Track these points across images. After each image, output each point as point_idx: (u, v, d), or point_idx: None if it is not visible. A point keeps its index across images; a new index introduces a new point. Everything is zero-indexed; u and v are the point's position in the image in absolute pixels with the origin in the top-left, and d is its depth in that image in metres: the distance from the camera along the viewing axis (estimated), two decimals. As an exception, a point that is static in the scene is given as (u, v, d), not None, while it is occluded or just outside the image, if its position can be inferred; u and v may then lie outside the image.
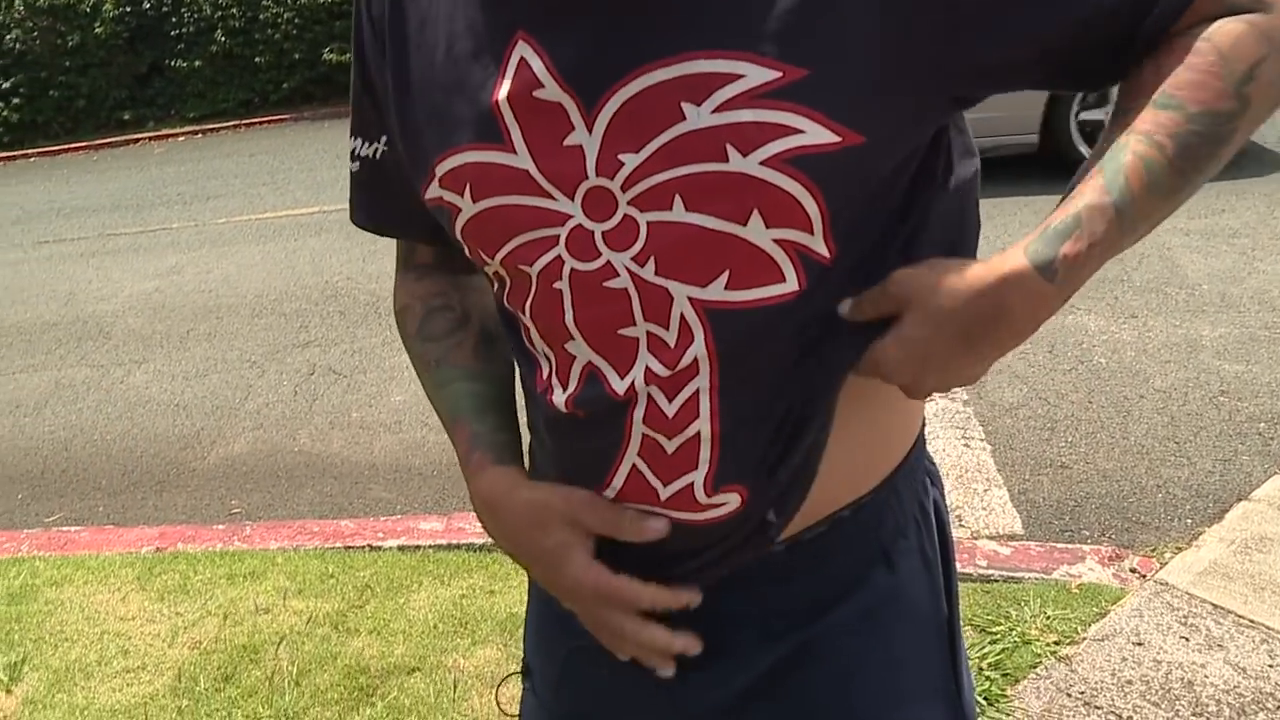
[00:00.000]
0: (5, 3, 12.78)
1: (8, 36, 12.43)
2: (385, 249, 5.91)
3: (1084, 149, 5.51)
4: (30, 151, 12.88)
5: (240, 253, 6.48)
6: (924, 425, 0.90)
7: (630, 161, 0.66)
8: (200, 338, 5.09)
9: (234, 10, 12.63)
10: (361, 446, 3.76)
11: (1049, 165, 5.41)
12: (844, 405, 0.75)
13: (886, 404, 0.80)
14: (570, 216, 0.69)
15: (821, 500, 0.79)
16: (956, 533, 2.56)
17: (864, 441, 0.80)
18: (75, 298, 5.98)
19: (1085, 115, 5.49)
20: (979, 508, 2.84)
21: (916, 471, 0.87)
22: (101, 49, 12.89)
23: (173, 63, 12.75)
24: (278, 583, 2.74)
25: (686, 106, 0.64)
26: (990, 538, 2.69)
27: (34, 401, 4.57)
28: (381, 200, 0.89)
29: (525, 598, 1.00)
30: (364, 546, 2.90)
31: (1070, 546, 2.62)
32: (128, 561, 2.93)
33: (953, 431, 3.23)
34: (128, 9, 12.50)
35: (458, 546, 2.86)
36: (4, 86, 12.99)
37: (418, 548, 2.87)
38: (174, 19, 12.67)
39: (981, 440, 3.19)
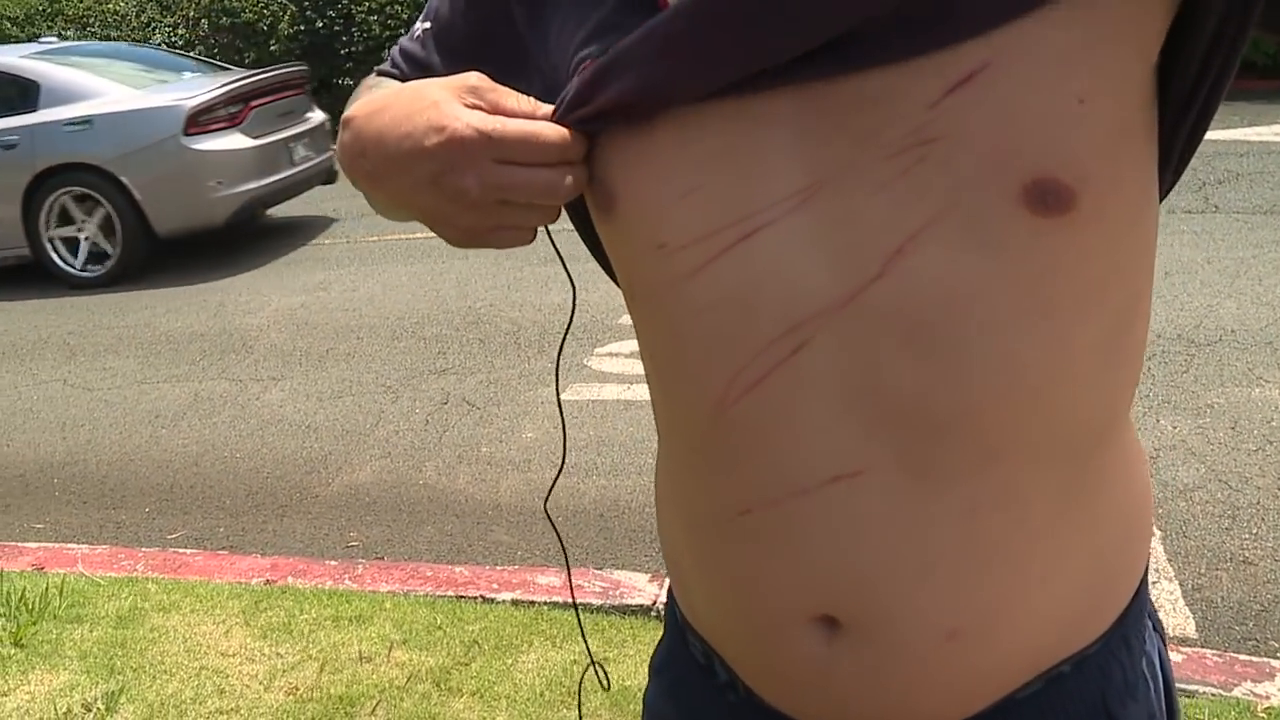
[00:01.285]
0: (190, 21, 13.39)
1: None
2: (532, 278, 5.88)
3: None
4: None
5: (387, 272, 6.52)
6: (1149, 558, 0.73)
7: None
8: (339, 357, 5.10)
9: (403, 31, 12.95)
10: (488, 484, 3.65)
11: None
12: (1064, 528, 0.65)
13: (1116, 525, 0.69)
14: None
15: (1036, 650, 0.67)
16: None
17: (1089, 577, 0.68)
18: (224, 309, 6.09)
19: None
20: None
21: (1143, 616, 0.74)
22: (276, 65, 13.38)
23: (341, 80, 13.14)
24: (383, 630, 2.64)
25: None
26: (1164, 643, 2.40)
27: (173, 413, 4.62)
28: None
29: (643, 670, 0.86)
30: (476, 597, 2.77)
31: (1256, 660, 2.31)
32: (236, 592, 2.87)
33: (1127, 518, 2.93)
34: (302, 27, 12.92)
35: (574, 606, 2.71)
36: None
37: (532, 603, 2.73)
38: (344, 37, 13.05)
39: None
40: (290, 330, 5.60)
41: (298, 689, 2.42)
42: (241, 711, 2.36)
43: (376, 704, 2.34)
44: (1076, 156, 0.56)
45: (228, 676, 2.49)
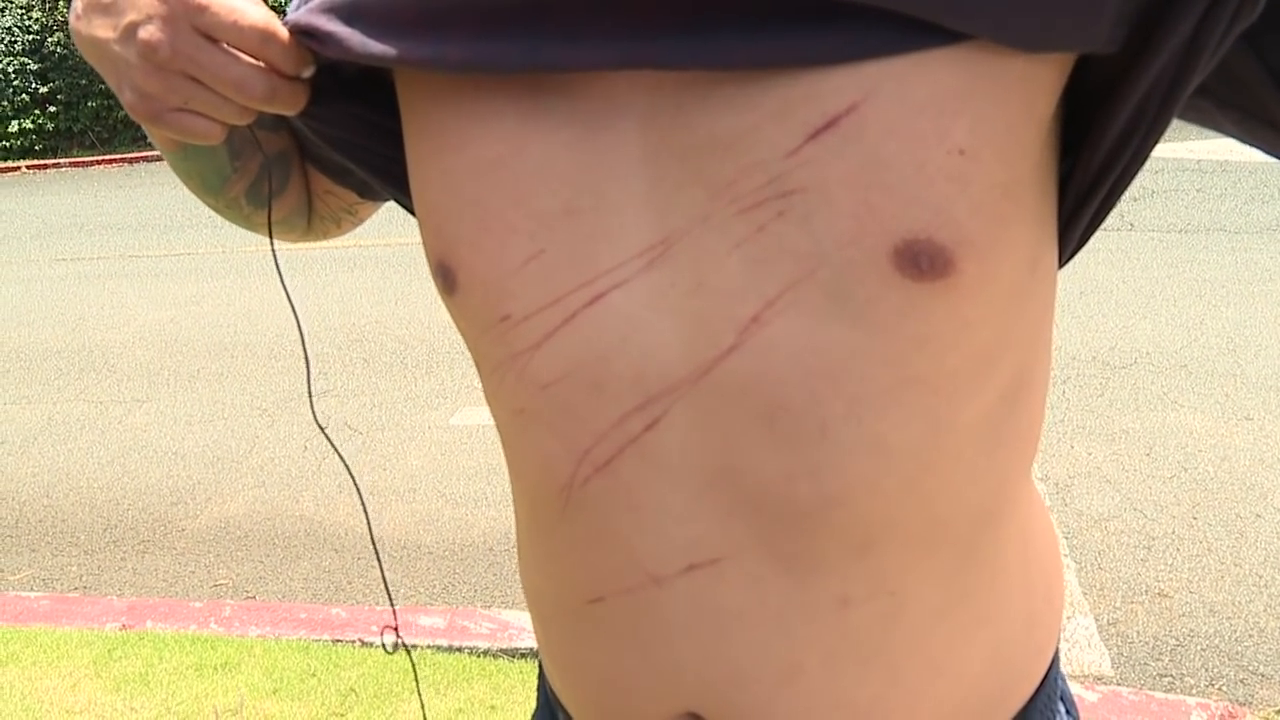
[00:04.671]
0: (50, 5, 12.95)
1: (49, 40, 12.56)
2: (420, 293, 5.76)
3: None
4: (62, 161, 13.02)
5: (266, 285, 6.35)
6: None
7: None
8: (210, 377, 4.93)
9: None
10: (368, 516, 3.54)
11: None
12: (952, 621, 0.61)
13: (1016, 612, 0.65)
14: None
15: None
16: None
17: (985, 671, 0.65)
18: (84, 323, 5.87)
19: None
20: (1060, 639, 2.56)
21: (1054, 700, 0.72)
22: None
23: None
24: (252, 679, 2.53)
25: None
26: (1073, 678, 2.41)
27: (21, 438, 4.42)
28: None
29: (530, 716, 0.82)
30: (354, 641, 2.67)
31: (1172, 698, 2.32)
32: (87, 640, 2.73)
33: (1039, 547, 2.95)
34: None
35: (459, 650, 2.62)
36: (42, 92, 13.12)
37: (414, 646, 2.64)
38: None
39: (1064, 555, 2.90)
40: (158, 347, 5.42)
41: (153, 748, 2.30)
42: (89, 775, 2.23)
43: (241, 763, 2.24)
44: (955, 216, 0.51)
45: (74, 735, 2.36)
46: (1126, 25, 0.49)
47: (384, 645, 0.90)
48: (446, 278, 0.64)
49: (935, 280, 0.52)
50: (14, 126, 13.32)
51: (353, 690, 2.47)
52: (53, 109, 13.18)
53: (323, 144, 0.72)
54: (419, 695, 0.95)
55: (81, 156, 12.91)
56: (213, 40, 0.59)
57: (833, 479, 0.56)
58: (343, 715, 2.39)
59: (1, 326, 5.93)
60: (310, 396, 0.79)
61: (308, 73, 0.63)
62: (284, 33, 0.61)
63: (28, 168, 12.93)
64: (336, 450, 0.83)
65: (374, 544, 0.87)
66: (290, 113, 0.64)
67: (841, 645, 0.59)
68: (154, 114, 0.62)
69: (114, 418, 4.57)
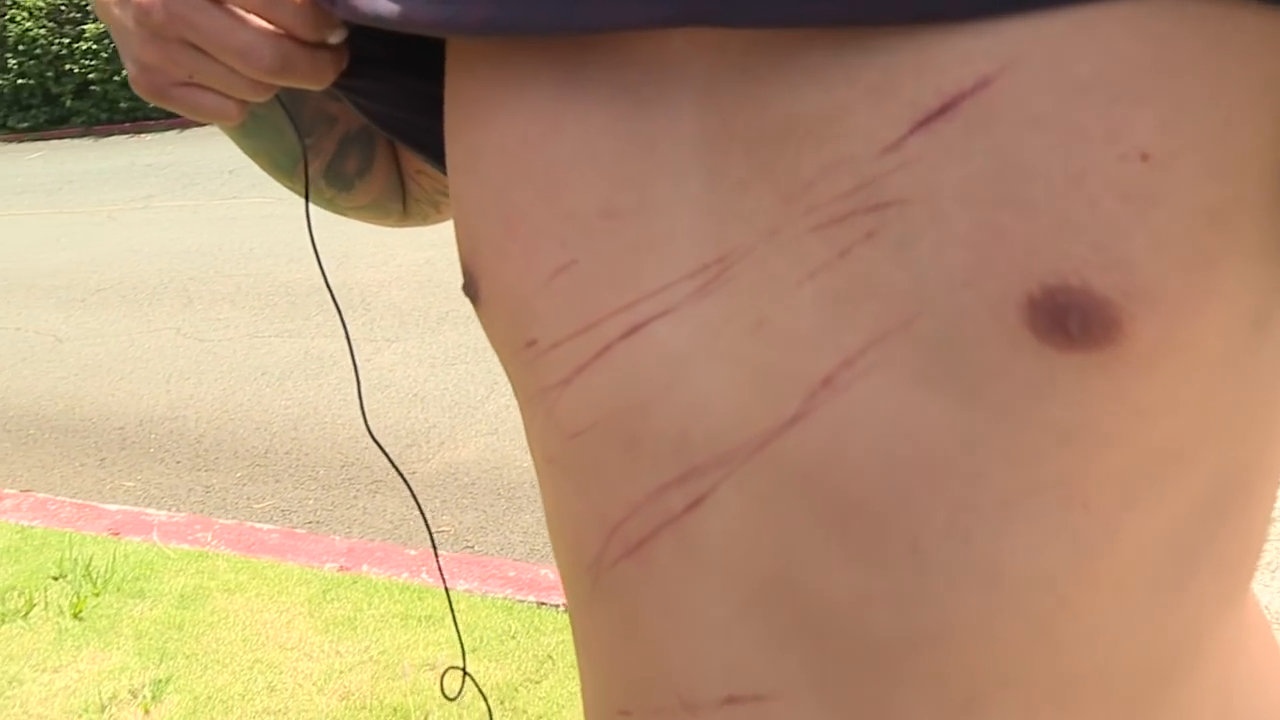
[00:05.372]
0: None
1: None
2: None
3: None
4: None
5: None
6: None
7: None
8: (458, 320, 5.03)
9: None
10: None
11: None
12: None
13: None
14: None
15: None
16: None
17: None
18: (349, 261, 6.11)
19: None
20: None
21: None
22: None
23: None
24: (452, 635, 2.53)
25: None
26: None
27: (279, 370, 4.63)
28: None
29: None
30: (558, 605, 2.63)
31: None
32: (307, 578, 2.81)
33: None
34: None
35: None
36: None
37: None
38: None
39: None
40: (412, 288, 5.57)
41: (350, 694, 2.33)
42: (289, 714, 2.28)
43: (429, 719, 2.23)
44: (1127, 254, 0.35)
45: (281, 673, 2.42)
46: None
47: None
48: (471, 287, 0.52)
49: (1090, 350, 0.36)
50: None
51: (549, 657, 2.43)
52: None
53: (377, 126, 0.61)
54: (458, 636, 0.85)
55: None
56: (215, 1, 0.49)
57: (924, 611, 0.41)
58: (537, 682, 2.35)
59: (275, 262, 6.26)
60: (359, 395, 0.69)
61: (335, 38, 0.52)
62: None
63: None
64: (390, 460, 0.72)
65: None
66: (316, 86, 0.53)
67: None
68: (157, 89, 0.52)
69: (363, 356, 4.72)
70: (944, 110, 0.35)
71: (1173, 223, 0.34)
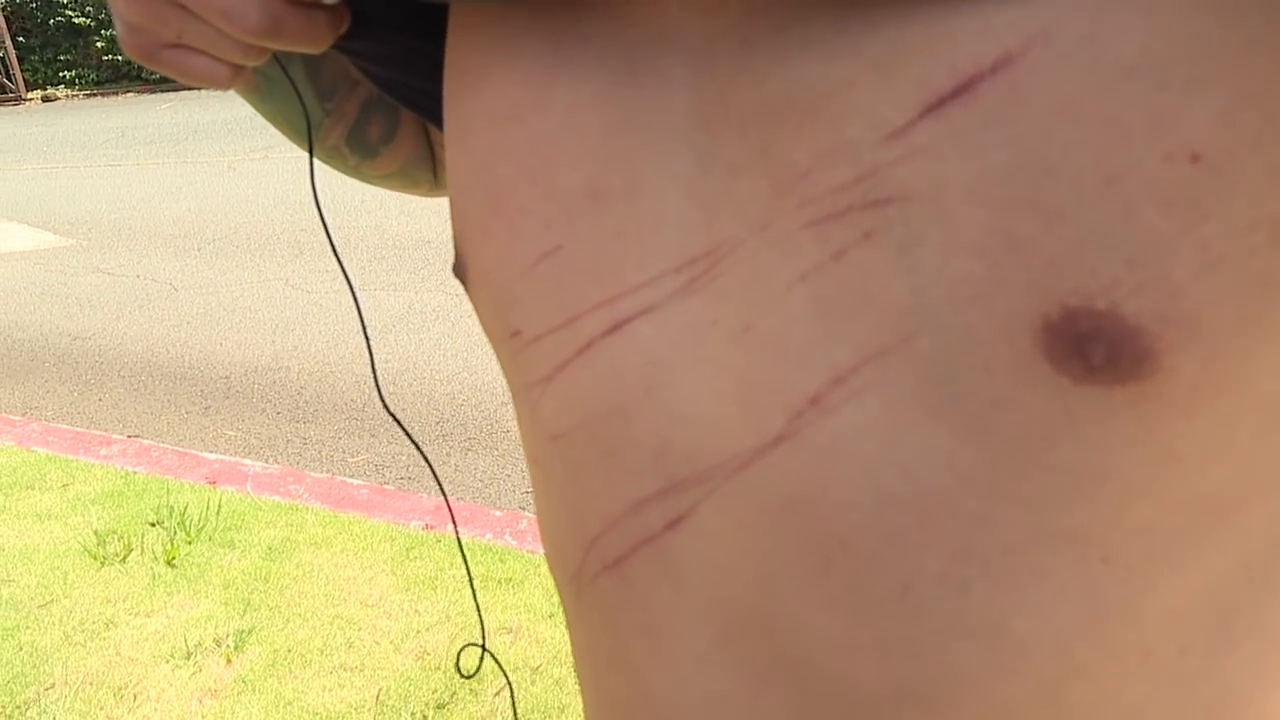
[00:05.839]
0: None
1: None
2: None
3: None
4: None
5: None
6: None
7: None
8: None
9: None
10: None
11: None
12: None
13: None
14: None
15: None
16: None
17: None
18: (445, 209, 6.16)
19: None
20: None
21: None
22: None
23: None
24: (531, 599, 2.52)
25: None
26: None
27: (383, 323, 4.69)
28: None
29: None
30: (638, 573, 2.61)
31: None
32: (392, 535, 2.83)
33: None
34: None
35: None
36: None
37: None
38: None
39: None
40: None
41: (427, 654, 2.34)
42: (365, 671, 2.30)
43: (503, 686, 2.23)
44: (1166, 273, 0.29)
45: (360, 630, 2.44)
46: None
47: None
48: (460, 267, 0.49)
49: (1116, 385, 0.31)
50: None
51: (628, 626, 2.41)
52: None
53: (384, 91, 0.58)
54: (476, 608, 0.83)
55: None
56: None
57: (914, 665, 0.36)
58: (613, 651, 2.33)
59: (385, 215, 6.33)
60: (375, 376, 0.66)
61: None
62: None
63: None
64: (417, 446, 0.69)
65: None
66: (312, 49, 0.49)
67: None
68: (146, 50, 0.49)
69: (465, 310, 4.75)
70: (958, 92, 0.30)
71: (1226, 237, 0.29)
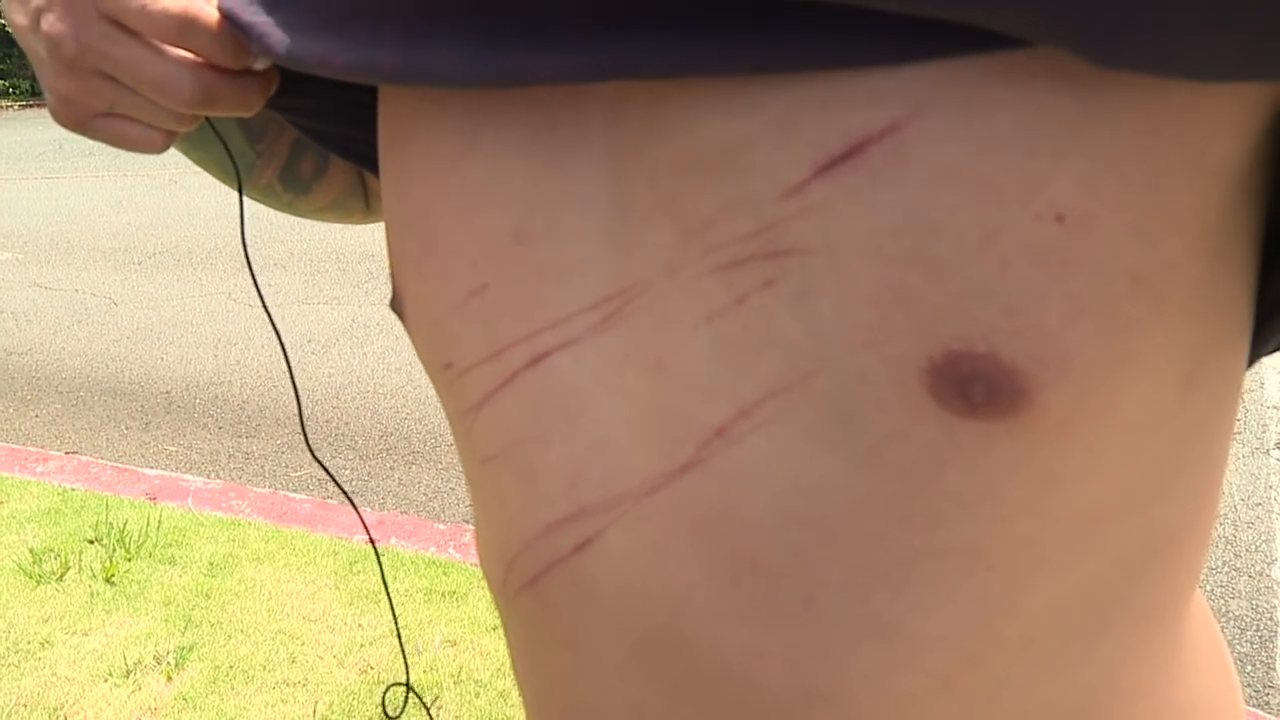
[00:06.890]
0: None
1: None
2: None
3: None
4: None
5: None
6: None
7: None
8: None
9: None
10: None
11: None
12: None
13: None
14: None
15: None
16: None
17: None
18: (402, 229, 6.16)
19: None
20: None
21: None
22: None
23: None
24: (475, 611, 2.53)
25: None
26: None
27: (325, 338, 4.68)
28: None
29: None
30: (582, 584, 2.63)
31: None
32: (334, 549, 2.83)
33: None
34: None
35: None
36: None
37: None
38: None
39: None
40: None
41: (371, 668, 2.35)
42: (308, 686, 2.30)
43: (436, 698, 2.24)
44: (1037, 320, 0.33)
45: (303, 645, 2.44)
46: None
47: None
48: (397, 303, 0.51)
49: (995, 419, 0.34)
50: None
51: (571, 637, 2.43)
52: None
53: (317, 143, 0.60)
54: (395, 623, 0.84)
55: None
56: (130, 31, 0.47)
57: (820, 668, 0.39)
58: (557, 662, 2.35)
59: (328, 228, 6.31)
60: (304, 428, 0.68)
61: (260, 64, 0.49)
62: (211, 18, 0.47)
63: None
64: (332, 477, 0.71)
65: None
66: (244, 113, 0.51)
67: None
68: (78, 120, 0.51)
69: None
70: (849, 155, 0.33)
71: (1092, 287, 0.32)
